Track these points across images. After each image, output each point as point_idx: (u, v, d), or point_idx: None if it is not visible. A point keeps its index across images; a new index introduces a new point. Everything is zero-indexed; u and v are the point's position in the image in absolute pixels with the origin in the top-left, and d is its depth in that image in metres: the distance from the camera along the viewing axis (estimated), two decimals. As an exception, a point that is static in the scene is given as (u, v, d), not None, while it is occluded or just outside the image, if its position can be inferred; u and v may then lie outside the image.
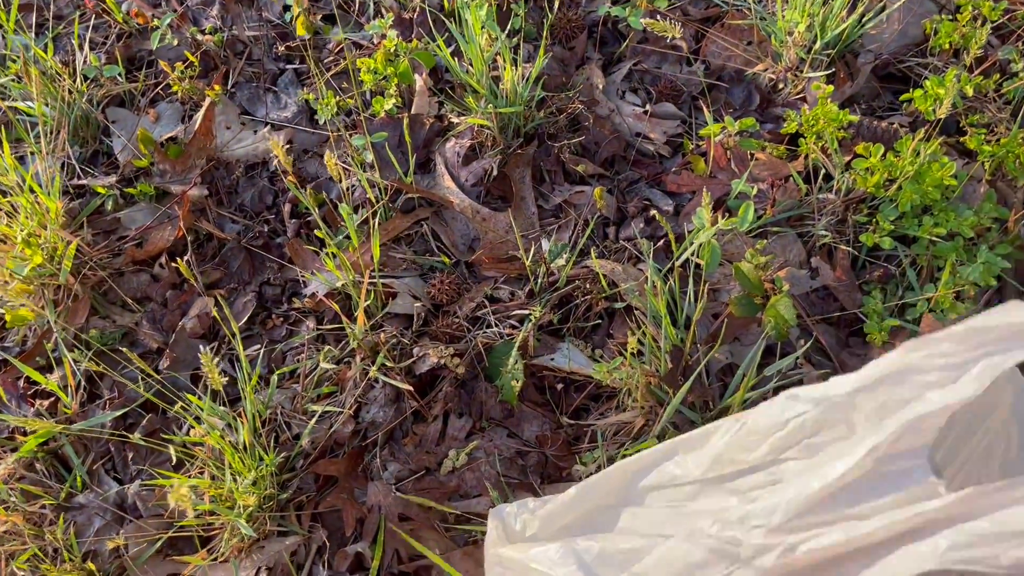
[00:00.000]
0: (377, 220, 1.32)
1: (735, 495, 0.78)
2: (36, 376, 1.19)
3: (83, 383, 1.24)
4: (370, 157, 1.38)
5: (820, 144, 1.29)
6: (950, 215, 1.21)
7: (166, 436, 1.17)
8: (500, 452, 1.19)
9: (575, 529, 0.92)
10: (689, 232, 1.30)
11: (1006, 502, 0.58)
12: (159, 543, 1.12)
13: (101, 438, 1.20)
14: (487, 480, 1.15)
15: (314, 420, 1.17)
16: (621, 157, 1.42)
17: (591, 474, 1.21)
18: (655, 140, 1.42)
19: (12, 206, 1.32)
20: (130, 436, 1.15)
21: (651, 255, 1.24)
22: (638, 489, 0.88)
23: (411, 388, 1.19)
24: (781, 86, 1.46)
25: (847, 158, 1.29)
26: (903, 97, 1.34)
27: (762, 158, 1.33)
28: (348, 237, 1.32)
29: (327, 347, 1.24)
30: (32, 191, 1.31)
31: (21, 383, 1.24)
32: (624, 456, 1.09)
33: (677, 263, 1.23)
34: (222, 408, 1.17)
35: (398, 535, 1.12)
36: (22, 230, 1.26)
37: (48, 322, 1.26)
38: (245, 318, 1.30)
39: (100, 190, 1.40)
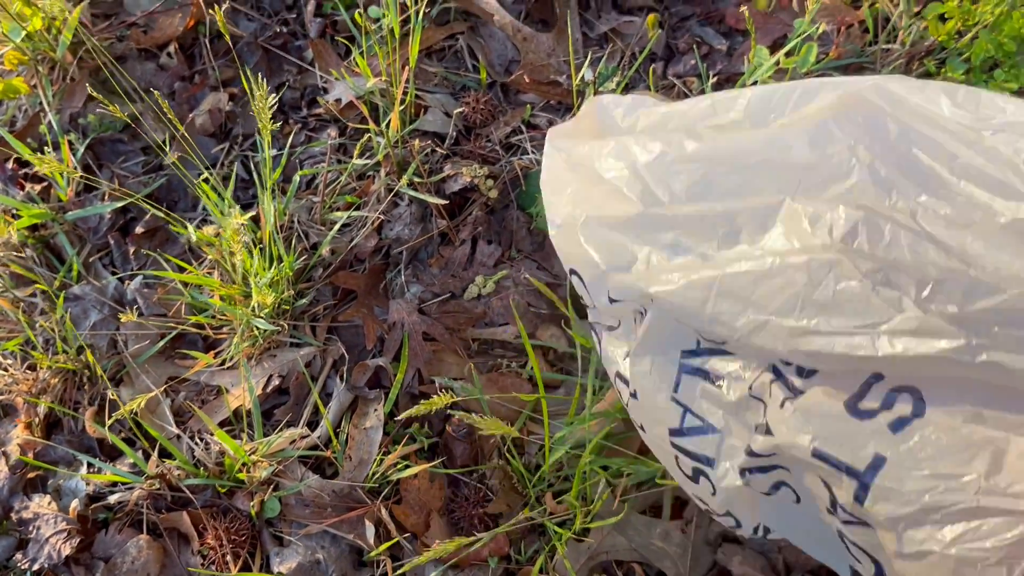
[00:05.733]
0: (412, 24, 1.21)
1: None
2: (29, 155, 1.07)
3: (79, 170, 1.12)
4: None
5: (891, -11, 1.21)
6: (1022, 71, 1.14)
7: (175, 227, 1.07)
8: (528, 285, 1.12)
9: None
10: (743, 73, 1.22)
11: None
12: (162, 343, 1.04)
13: (99, 230, 1.10)
14: (515, 309, 1.09)
15: (335, 228, 1.08)
16: (673, -9, 1.32)
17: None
18: (710, -24, 1.32)
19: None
20: (132, 229, 1.05)
21: (709, 87, 1.16)
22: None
23: (442, 203, 1.10)
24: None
25: (916, 8, 1.21)
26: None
27: (827, 1, 1.25)
28: (383, 38, 1.21)
29: (351, 157, 1.14)
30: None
31: (10, 164, 1.12)
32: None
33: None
34: (236, 208, 1.07)
35: (420, 354, 1.05)
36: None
37: (41, 102, 1.14)
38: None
39: (101, -33, 1.26)
